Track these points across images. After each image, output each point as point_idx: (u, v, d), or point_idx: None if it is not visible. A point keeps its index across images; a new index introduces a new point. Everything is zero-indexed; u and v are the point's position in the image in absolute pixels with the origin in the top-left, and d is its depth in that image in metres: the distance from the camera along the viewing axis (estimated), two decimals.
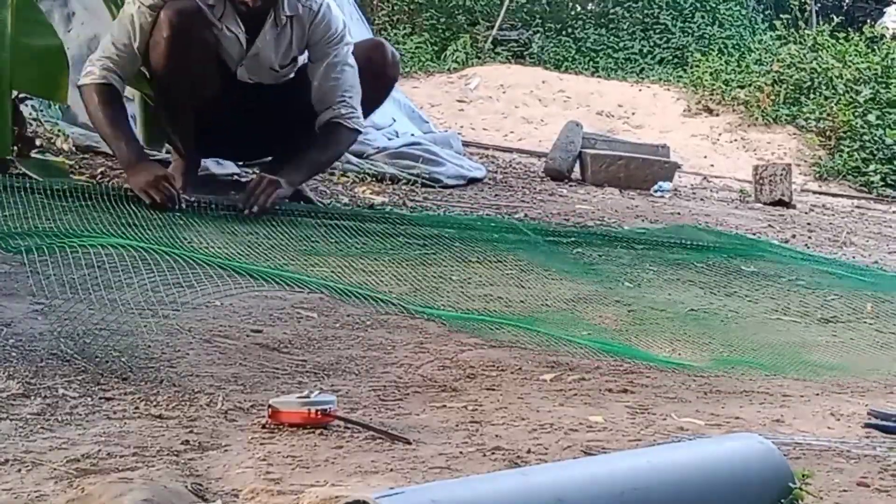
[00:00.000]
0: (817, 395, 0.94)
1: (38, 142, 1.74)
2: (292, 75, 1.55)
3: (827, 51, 4.77)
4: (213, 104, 1.49)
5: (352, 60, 1.52)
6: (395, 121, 2.66)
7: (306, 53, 1.53)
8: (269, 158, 1.62)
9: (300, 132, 1.53)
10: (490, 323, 1.06)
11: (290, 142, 1.54)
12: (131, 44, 1.44)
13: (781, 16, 5.62)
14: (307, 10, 1.49)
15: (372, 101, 1.61)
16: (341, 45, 1.51)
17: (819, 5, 6.12)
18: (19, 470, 0.63)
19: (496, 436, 0.75)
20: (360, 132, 1.55)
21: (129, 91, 1.60)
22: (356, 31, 2.81)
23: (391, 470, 0.67)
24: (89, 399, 0.76)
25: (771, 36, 5.60)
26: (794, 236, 2.19)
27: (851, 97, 4.34)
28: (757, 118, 4.54)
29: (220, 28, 1.47)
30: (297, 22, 1.50)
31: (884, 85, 4.42)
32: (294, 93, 1.53)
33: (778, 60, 4.79)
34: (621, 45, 5.80)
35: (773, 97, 4.60)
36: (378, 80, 1.57)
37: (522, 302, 1.16)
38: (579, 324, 1.10)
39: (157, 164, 1.47)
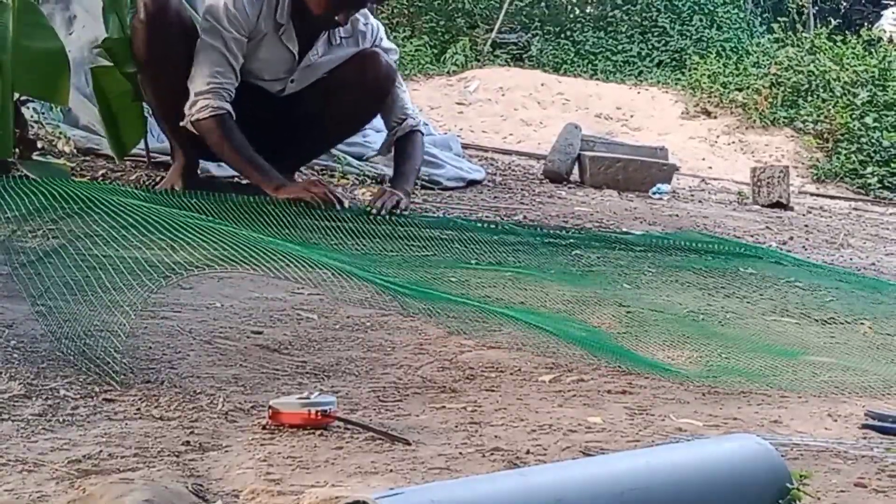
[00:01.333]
0: (815, 396, 0.94)
1: (39, 144, 1.75)
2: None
3: (824, 53, 4.79)
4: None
5: (400, 78, 1.66)
6: None
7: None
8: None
9: (307, 138, 1.61)
10: (491, 312, 1.06)
11: (298, 146, 1.61)
12: (228, 61, 1.48)
13: (779, 19, 5.64)
14: (360, 34, 1.60)
15: (367, 113, 1.68)
16: (392, 64, 1.63)
17: (816, 8, 6.15)
18: (21, 471, 0.63)
19: (495, 436, 0.76)
20: (423, 134, 1.68)
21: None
22: None
23: (391, 470, 0.67)
24: (90, 400, 0.76)
25: (769, 39, 5.62)
26: (791, 238, 2.19)
27: (849, 100, 4.36)
28: (755, 120, 4.56)
29: (279, 46, 1.53)
30: (350, 42, 1.60)
31: (881, 87, 4.44)
32: (308, 101, 1.60)
33: (776, 63, 4.81)
34: (620, 47, 5.82)
35: (770, 100, 4.61)
36: (372, 90, 1.62)
37: (522, 303, 1.17)
38: (578, 324, 1.11)
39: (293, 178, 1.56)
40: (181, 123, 1.50)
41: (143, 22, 1.47)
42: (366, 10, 1.61)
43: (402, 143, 1.64)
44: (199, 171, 1.66)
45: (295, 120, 1.59)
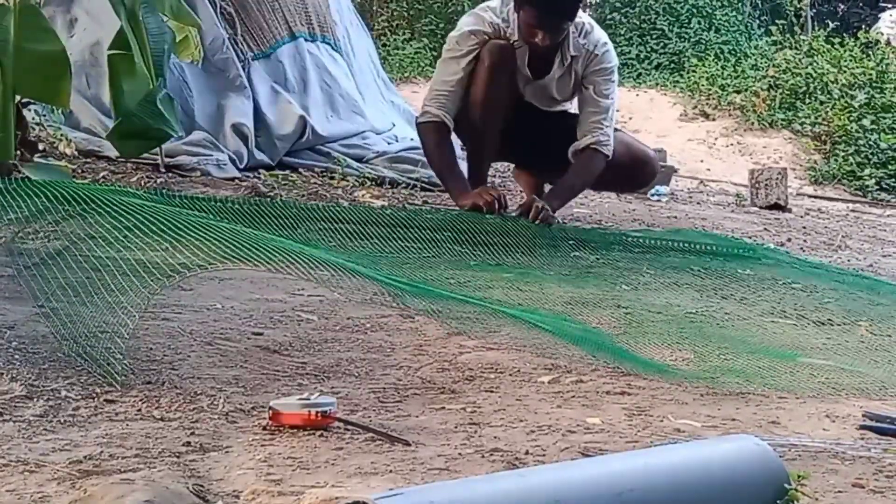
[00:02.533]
0: (812, 397, 0.95)
1: (40, 146, 1.76)
2: (569, 106, 1.82)
3: (822, 56, 4.80)
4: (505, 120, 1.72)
5: (614, 95, 1.78)
6: (394, 125, 2.68)
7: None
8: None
9: (561, 152, 1.75)
10: (491, 310, 1.06)
11: (552, 158, 1.76)
12: (458, 79, 1.68)
13: (777, 21, 5.65)
14: (587, 52, 1.74)
15: (619, 187, 2.01)
16: (609, 81, 1.75)
17: (814, 11, 6.17)
18: (22, 471, 0.64)
19: (495, 437, 0.76)
20: (608, 157, 1.74)
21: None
22: (356, 36, 2.85)
23: (391, 471, 0.67)
24: (91, 401, 0.77)
25: (767, 41, 5.63)
26: (789, 240, 2.20)
27: (846, 102, 4.37)
28: (753, 123, 4.56)
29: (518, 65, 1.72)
30: (578, 61, 1.74)
31: (878, 90, 4.45)
32: (563, 119, 1.79)
33: (774, 65, 4.82)
34: (618, 50, 5.79)
35: (769, 102, 4.62)
36: (631, 178, 1.85)
37: (520, 304, 1.17)
38: (577, 325, 1.11)
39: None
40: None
41: (486, 68, 1.68)
42: (586, 24, 1.74)
43: (577, 157, 1.74)
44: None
45: (559, 135, 1.75)
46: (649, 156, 1.85)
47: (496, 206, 1.61)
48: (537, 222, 1.60)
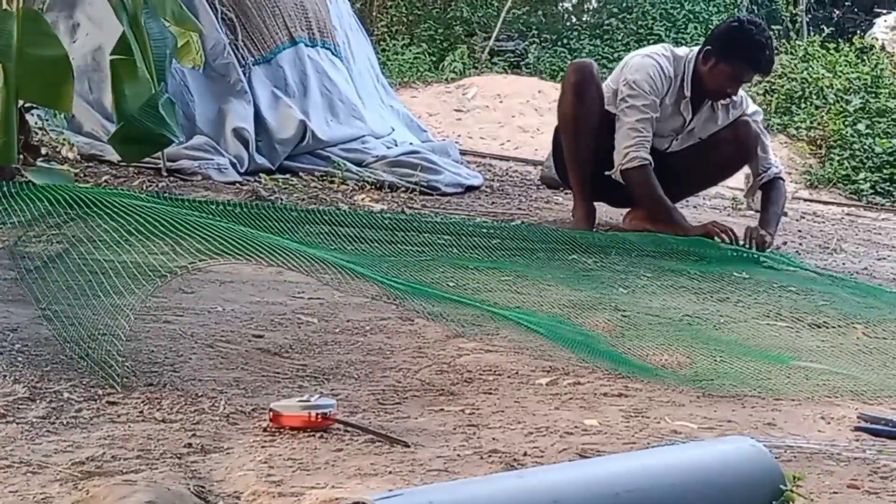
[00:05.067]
0: (808, 399, 0.95)
1: (43, 150, 1.77)
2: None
3: (818, 61, 4.82)
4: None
5: (765, 134, 1.98)
6: (393, 130, 2.69)
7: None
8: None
9: (680, 184, 1.92)
10: (489, 313, 1.07)
11: (669, 191, 1.88)
12: (649, 118, 1.81)
13: (773, 27, 5.66)
14: (733, 102, 1.89)
15: (730, 168, 2.00)
16: (759, 115, 1.95)
17: (810, 17, 6.20)
18: (25, 472, 0.64)
19: (493, 439, 0.77)
20: (784, 180, 1.97)
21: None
22: (356, 41, 2.86)
23: (390, 472, 0.68)
24: (94, 403, 0.77)
25: None
26: (785, 243, 2.20)
27: (842, 107, 4.38)
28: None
29: (677, 111, 1.86)
30: (725, 110, 1.89)
31: (873, 94, 4.47)
32: (688, 156, 1.92)
33: None
34: (616, 55, 5.84)
35: (764, 106, 4.63)
36: (739, 150, 1.90)
37: (518, 307, 1.18)
38: (574, 328, 1.12)
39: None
40: (609, 173, 1.82)
41: (571, 86, 1.84)
42: None
43: (767, 189, 1.91)
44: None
45: (675, 170, 1.87)
46: (746, 121, 1.91)
47: (730, 235, 1.77)
48: (764, 249, 1.75)
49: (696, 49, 1.86)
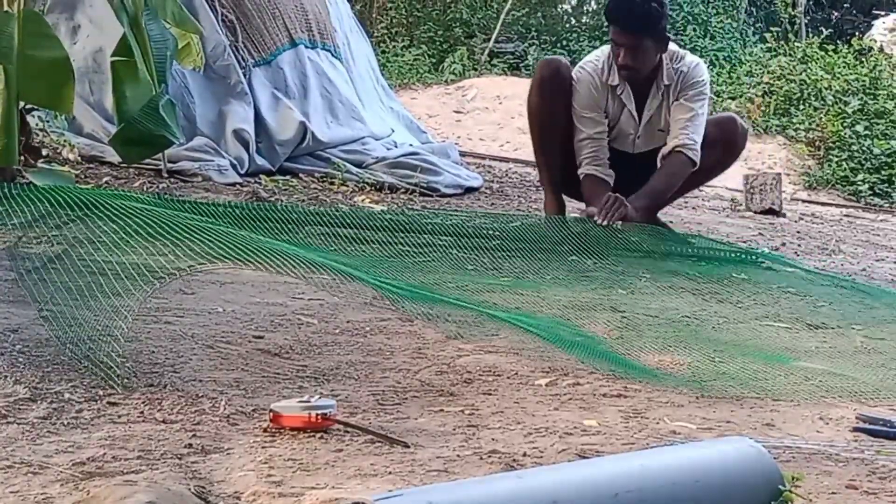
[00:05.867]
0: (807, 399, 0.96)
1: (44, 152, 1.77)
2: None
3: (816, 63, 4.83)
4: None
5: (704, 109, 1.77)
6: (393, 131, 2.70)
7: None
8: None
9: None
10: (488, 315, 1.07)
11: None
12: (599, 129, 1.73)
13: (772, 28, 5.69)
14: (680, 74, 1.76)
15: (720, 166, 1.87)
16: (700, 94, 1.76)
17: (809, 18, 6.22)
18: (26, 473, 0.64)
19: (493, 439, 0.77)
20: (696, 164, 1.75)
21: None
22: (355, 43, 2.87)
23: (390, 473, 0.68)
24: (94, 403, 0.77)
25: (761, 48, 5.67)
26: (784, 244, 2.21)
27: (840, 108, 4.40)
28: (748, 129, 4.57)
29: (623, 108, 1.75)
30: (672, 88, 1.76)
31: (871, 96, 4.48)
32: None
33: (768, 72, 4.85)
34: None
35: (763, 108, 4.65)
36: (727, 147, 1.82)
37: (518, 308, 1.18)
38: (573, 329, 1.12)
39: None
40: (579, 171, 1.72)
41: (537, 82, 1.77)
42: (678, 52, 1.76)
43: (663, 160, 1.74)
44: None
45: (651, 164, 1.75)
46: (732, 116, 1.88)
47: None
48: (610, 219, 1.60)
49: None
